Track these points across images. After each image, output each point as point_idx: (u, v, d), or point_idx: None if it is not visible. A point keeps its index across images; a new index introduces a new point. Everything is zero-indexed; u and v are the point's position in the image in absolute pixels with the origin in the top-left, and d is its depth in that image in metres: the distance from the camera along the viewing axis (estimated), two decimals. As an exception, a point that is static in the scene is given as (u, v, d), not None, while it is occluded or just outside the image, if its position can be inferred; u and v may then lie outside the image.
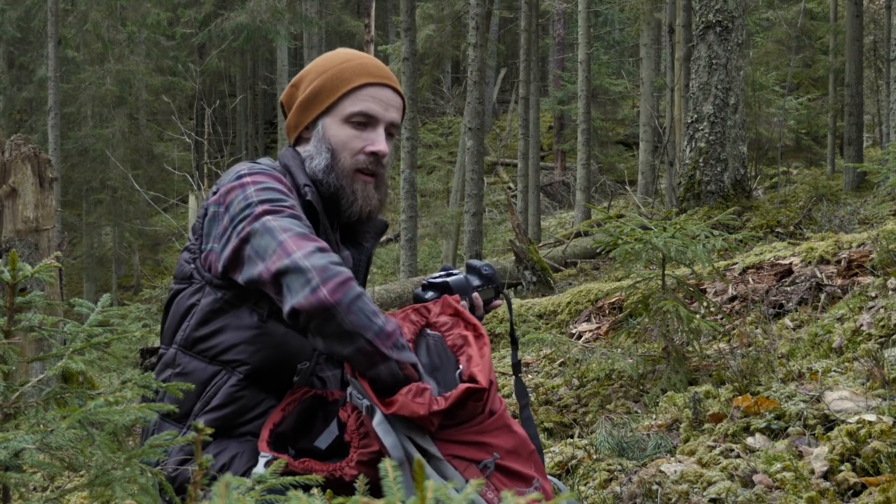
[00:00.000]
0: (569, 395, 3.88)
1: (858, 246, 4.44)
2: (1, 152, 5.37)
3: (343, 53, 1.96)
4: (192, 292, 1.82)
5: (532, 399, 3.90)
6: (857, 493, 2.20)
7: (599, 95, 19.92)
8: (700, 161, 8.38)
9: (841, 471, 2.28)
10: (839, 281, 4.21)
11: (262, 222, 1.66)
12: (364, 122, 1.88)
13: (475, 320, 1.75)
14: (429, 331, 1.75)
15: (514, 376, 2.05)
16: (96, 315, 1.48)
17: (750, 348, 3.66)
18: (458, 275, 1.97)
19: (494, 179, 19.93)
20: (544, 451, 2.99)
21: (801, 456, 2.43)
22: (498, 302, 2.05)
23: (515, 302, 6.08)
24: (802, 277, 4.38)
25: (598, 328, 5.05)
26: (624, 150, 21.29)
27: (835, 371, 3.05)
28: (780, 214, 8.07)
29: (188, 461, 1.78)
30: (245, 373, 1.76)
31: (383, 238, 18.15)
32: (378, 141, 1.88)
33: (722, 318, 4.34)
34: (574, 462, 2.92)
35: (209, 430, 1.11)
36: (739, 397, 2.92)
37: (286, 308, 1.59)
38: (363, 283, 2.02)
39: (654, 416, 3.23)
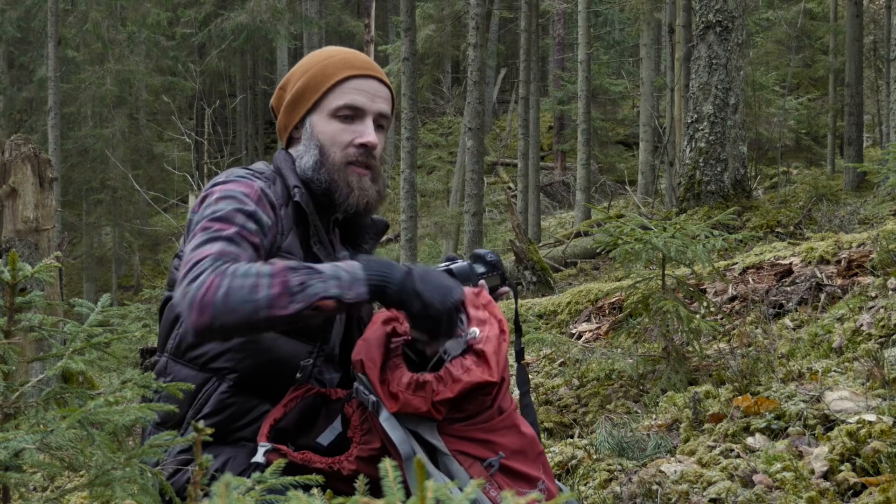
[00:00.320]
0: (569, 395, 3.88)
1: (858, 246, 4.44)
2: (1, 152, 5.37)
3: (327, 50, 1.94)
4: None
5: (532, 399, 3.90)
6: (857, 493, 2.20)
7: (599, 95, 19.92)
8: (700, 161, 8.38)
9: (841, 471, 2.28)
10: (839, 281, 4.21)
11: (188, 248, 1.64)
12: (351, 114, 1.85)
13: (503, 317, 1.73)
14: None
15: (516, 364, 2.03)
16: (96, 315, 1.47)
17: (750, 348, 3.66)
18: (462, 263, 1.94)
19: (494, 179, 19.93)
20: (545, 451, 2.98)
21: (801, 456, 2.43)
22: (505, 289, 2.00)
23: (515, 302, 6.07)
24: (802, 277, 4.38)
25: (598, 328, 5.05)
26: (624, 150, 21.29)
27: (835, 371, 3.05)
28: (780, 214, 8.07)
29: (182, 470, 1.77)
30: (234, 380, 1.75)
31: (383, 238, 18.12)
32: (367, 132, 1.85)
33: (722, 318, 4.34)
34: (574, 462, 2.92)
35: (209, 431, 1.11)
36: (739, 397, 2.92)
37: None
38: None
39: (654, 416, 3.23)
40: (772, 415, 2.72)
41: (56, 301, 1.58)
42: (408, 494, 1.45)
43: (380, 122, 1.90)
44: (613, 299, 5.15)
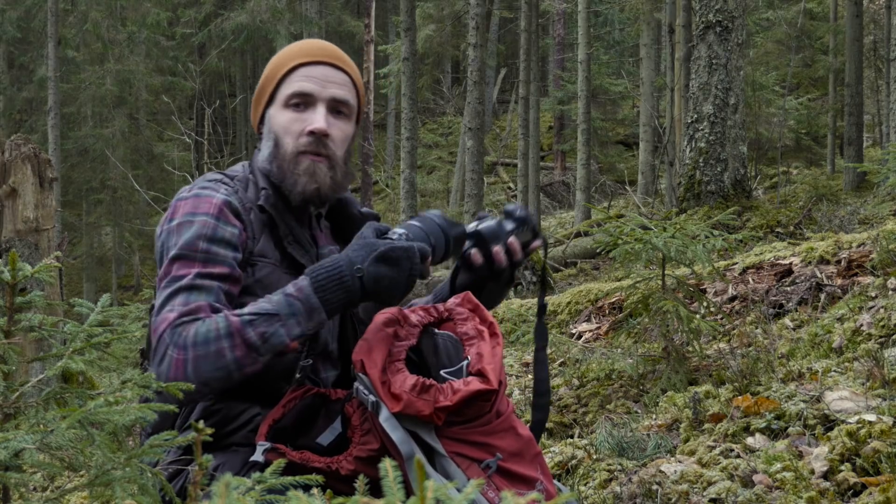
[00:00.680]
0: (569, 395, 3.88)
1: (858, 246, 4.44)
2: (1, 152, 5.37)
3: (290, 45, 1.91)
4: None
5: (532, 399, 3.90)
6: (857, 493, 2.20)
7: (599, 95, 19.92)
8: (700, 161, 8.38)
9: (841, 471, 2.28)
10: (839, 281, 4.22)
11: (161, 291, 1.67)
12: (300, 101, 1.80)
13: (492, 319, 1.73)
14: (437, 329, 1.74)
15: (537, 318, 1.99)
16: (96, 315, 1.47)
17: (750, 348, 3.66)
18: (490, 222, 1.88)
19: (494, 179, 19.94)
20: (544, 452, 2.99)
21: (801, 456, 2.43)
22: (537, 243, 1.93)
23: (515, 302, 6.08)
24: (802, 277, 4.38)
25: (598, 328, 5.05)
26: (624, 150, 21.29)
27: (835, 371, 3.05)
28: (780, 214, 8.07)
29: (179, 473, 1.76)
30: None
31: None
32: (316, 119, 1.78)
33: (722, 318, 4.34)
34: (574, 462, 2.92)
35: (209, 431, 1.10)
36: (739, 397, 2.92)
37: None
38: None
39: (654, 416, 3.23)
40: (772, 415, 2.72)
41: (56, 301, 1.58)
42: (408, 494, 1.45)
43: (337, 109, 1.83)
44: (613, 299, 5.15)
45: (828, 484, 2.24)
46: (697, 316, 3.80)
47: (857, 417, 2.48)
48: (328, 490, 1.25)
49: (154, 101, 20.12)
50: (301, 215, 1.85)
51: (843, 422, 2.51)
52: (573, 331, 5.14)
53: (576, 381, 4.00)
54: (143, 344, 1.86)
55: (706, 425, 2.89)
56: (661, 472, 2.54)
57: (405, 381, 1.57)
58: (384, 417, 1.55)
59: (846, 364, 3.08)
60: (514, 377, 4.41)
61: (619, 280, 6.10)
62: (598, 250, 4.84)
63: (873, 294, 3.72)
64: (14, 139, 5.43)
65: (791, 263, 4.62)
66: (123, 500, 1.18)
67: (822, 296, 4.14)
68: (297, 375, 1.77)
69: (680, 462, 2.61)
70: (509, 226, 1.89)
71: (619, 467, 2.73)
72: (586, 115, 13.89)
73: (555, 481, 1.75)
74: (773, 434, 2.65)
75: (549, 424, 3.64)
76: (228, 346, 1.57)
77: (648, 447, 2.88)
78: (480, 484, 0.82)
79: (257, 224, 1.78)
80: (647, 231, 3.81)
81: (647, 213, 11.42)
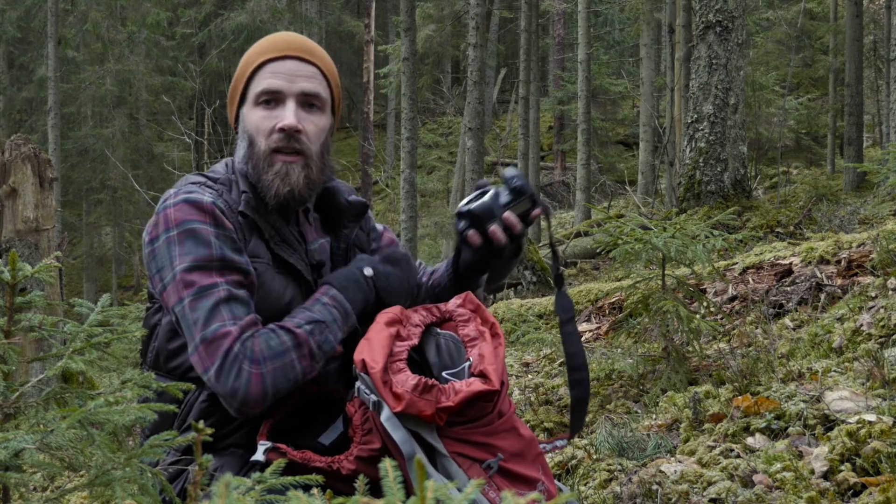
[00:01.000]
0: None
1: (858, 246, 4.44)
2: (1, 152, 5.37)
3: (259, 41, 1.87)
4: (155, 311, 1.82)
5: (532, 399, 3.90)
6: (857, 493, 2.20)
7: (599, 95, 19.92)
8: (700, 161, 8.38)
9: (841, 471, 2.28)
10: (839, 281, 4.22)
11: (182, 308, 1.66)
12: (269, 99, 1.77)
13: (493, 319, 1.73)
14: (438, 329, 1.74)
15: (556, 290, 1.90)
16: (96, 315, 1.47)
17: (750, 348, 3.66)
18: (483, 200, 1.81)
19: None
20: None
21: (801, 456, 2.43)
22: (537, 211, 1.86)
23: (515, 302, 6.08)
24: (802, 277, 4.38)
25: (598, 328, 5.05)
26: (624, 150, 21.29)
27: (835, 371, 3.05)
28: (780, 214, 8.07)
29: (180, 474, 1.76)
30: (210, 389, 1.72)
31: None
32: (286, 116, 1.75)
33: (722, 318, 4.34)
34: (574, 462, 2.92)
35: (209, 431, 1.10)
36: (739, 397, 2.92)
37: None
38: None
39: (654, 416, 3.23)
40: (772, 415, 2.72)
41: (56, 301, 1.58)
42: (409, 495, 1.45)
43: (308, 102, 1.79)
44: (613, 299, 5.15)
45: (828, 484, 2.24)
46: (697, 316, 3.80)
47: (857, 417, 2.48)
48: (328, 490, 1.25)
49: (154, 101, 20.12)
50: (286, 213, 1.84)
51: (843, 422, 2.51)
52: (573, 331, 5.13)
53: (576, 381, 3.99)
54: (142, 344, 1.86)
55: (706, 425, 2.89)
56: (661, 472, 2.54)
57: (407, 380, 1.57)
58: (385, 417, 1.55)
59: (846, 364, 3.08)
60: (514, 377, 4.41)
61: (619, 280, 6.10)
62: (598, 250, 4.84)
63: (873, 294, 3.72)
64: (14, 139, 5.43)
65: (791, 263, 4.62)
66: (123, 500, 1.18)
67: (822, 296, 4.14)
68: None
69: (680, 462, 2.61)
70: (504, 198, 1.82)
71: (619, 467, 2.73)
72: (586, 115, 13.89)
73: (555, 481, 1.75)
74: (773, 434, 2.65)
75: (549, 424, 3.63)
76: (297, 357, 1.64)
77: (648, 447, 2.88)
78: (481, 484, 0.82)
79: (245, 225, 1.77)
80: (647, 231, 3.81)
81: (647, 213, 11.43)
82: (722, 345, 3.89)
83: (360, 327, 1.82)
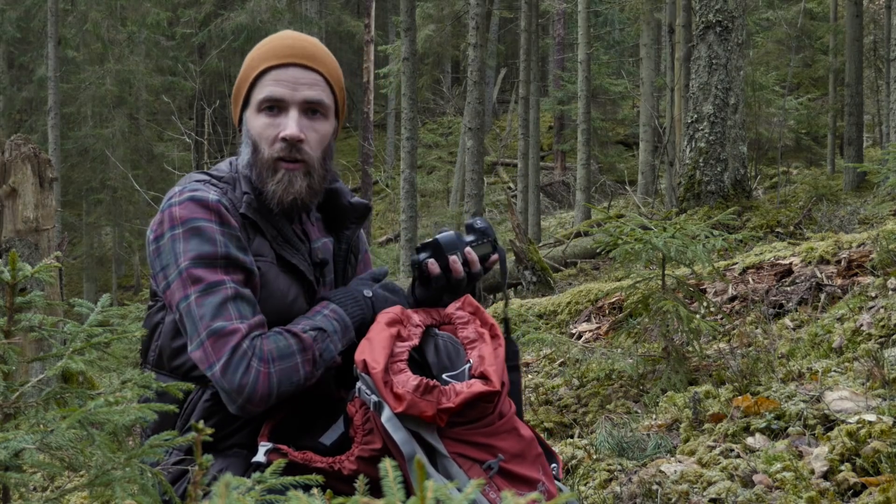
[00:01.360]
0: (569, 395, 3.88)
1: (858, 246, 4.44)
2: (1, 152, 5.37)
3: (264, 41, 1.88)
4: (158, 309, 1.82)
5: (532, 399, 3.90)
6: (857, 493, 2.20)
7: (599, 95, 19.92)
8: (700, 161, 8.38)
9: (841, 471, 2.28)
10: (839, 281, 4.22)
11: (187, 304, 1.67)
12: (271, 106, 1.78)
13: (493, 321, 1.74)
14: (437, 330, 1.74)
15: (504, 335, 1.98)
16: (96, 315, 1.47)
17: (750, 348, 3.66)
18: (448, 232, 1.86)
19: (494, 179, 19.93)
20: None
21: (801, 456, 2.43)
22: (495, 257, 1.92)
23: (515, 302, 6.08)
24: (802, 277, 4.38)
25: (598, 328, 5.05)
26: (624, 150, 21.29)
27: (835, 371, 3.05)
28: (780, 214, 8.07)
29: (183, 475, 1.76)
30: (214, 388, 1.73)
31: (383, 238, 18.15)
32: (288, 125, 1.76)
33: (722, 318, 4.34)
34: (574, 462, 2.92)
35: (209, 431, 1.10)
36: (739, 397, 2.92)
37: None
38: (343, 273, 1.95)
39: (654, 416, 3.23)
40: (772, 415, 2.72)
41: (56, 301, 1.58)
42: (409, 495, 1.44)
43: (312, 109, 1.80)
44: (613, 299, 5.15)
45: (828, 484, 2.24)
46: (697, 316, 3.80)
47: (857, 417, 2.48)
48: (329, 490, 1.25)
49: (154, 101, 20.12)
50: (289, 213, 1.85)
51: (843, 422, 2.51)
52: (573, 331, 5.14)
53: (576, 381, 4.00)
54: (143, 344, 1.86)
55: (706, 425, 2.89)
56: (661, 472, 2.54)
57: (408, 381, 1.57)
58: (386, 417, 1.55)
59: (846, 364, 3.08)
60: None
61: (619, 280, 6.10)
62: (598, 250, 4.84)
63: (873, 294, 3.72)
64: (14, 139, 5.43)
65: (791, 263, 4.62)
66: (123, 500, 1.18)
67: (822, 296, 4.14)
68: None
69: (680, 462, 2.61)
70: (468, 238, 1.88)
71: (619, 467, 2.73)
72: (586, 115, 13.89)
73: (555, 481, 1.75)
74: (773, 434, 2.65)
75: (549, 424, 3.64)
76: (301, 361, 1.67)
77: (648, 447, 2.88)
78: (481, 484, 0.82)
79: (248, 225, 1.78)
80: (647, 231, 3.81)
81: (647, 213, 11.43)
82: (722, 345, 3.89)
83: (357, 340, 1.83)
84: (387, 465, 0.83)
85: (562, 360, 4.49)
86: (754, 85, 12.58)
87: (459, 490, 0.82)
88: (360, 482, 1.05)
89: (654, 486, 2.46)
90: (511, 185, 18.97)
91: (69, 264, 18.40)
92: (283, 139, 1.77)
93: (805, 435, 2.56)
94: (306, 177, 1.79)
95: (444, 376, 1.63)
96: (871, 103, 16.53)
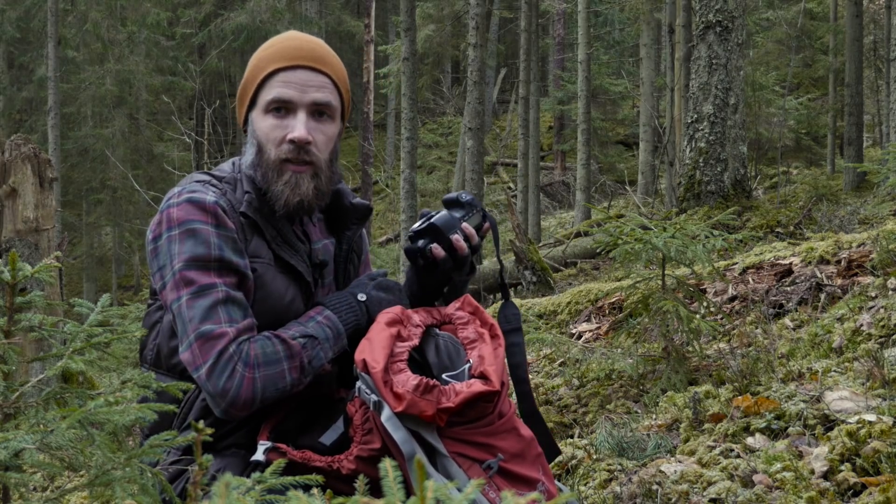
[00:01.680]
0: (569, 395, 3.88)
1: (858, 246, 4.44)
2: (1, 152, 5.37)
3: (270, 41, 1.88)
4: (157, 308, 1.83)
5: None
6: (857, 493, 2.20)
7: (599, 95, 19.91)
8: (700, 161, 8.38)
9: (841, 471, 2.28)
10: (839, 281, 4.22)
11: (179, 306, 1.68)
12: (279, 107, 1.78)
13: (493, 320, 1.74)
14: (437, 330, 1.74)
15: (502, 301, 1.96)
16: (96, 315, 1.47)
17: (750, 348, 3.66)
18: (441, 213, 1.85)
19: (494, 179, 19.94)
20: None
21: (801, 456, 2.43)
22: (487, 225, 1.91)
23: (515, 302, 6.08)
24: (802, 277, 4.38)
25: (598, 328, 5.05)
26: (624, 150, 21.29)
27: (835, 371, 3.05)
28: (780, 214, 8.07)
29: (181, 474, 1.76)
30: None
31: (383, 238, 18.15)
32: (297, 127, 1.77)
33: (722, 318, 4.34)
34: (574, 462, 2.92)
35: (209, 431, 1.10)
36: (739, 397, 2.92)
37: None
38: (344, 274, 1.95)
39: (654, 416, 3.23)
40: (772, 415, 2.72)
41: (56, 301, 1.58)
42: (409, 495, 1.44)
43: (319, 111, 1.81)
44: (613, 299, 5.15)
45: (828, 484, 2.24)
46: (697, 316, 3.80)
47: (857, 417, 2.48)
48: (328, 490, 1.25)
49: (154, 101, 20.12)
50: (293, 215, 1.84)
51: (843, 422, 2.51)
52: (573, 331, 5.14)
53: (576, 381, 4.00)
54: (141, 342, 1.85)
55: (706, 425, 2.89)
56: (661, 472, 2.54)
57: (408, 380, 1.57)
58: (386, 417, 1.55)
59: (846, 364, 3.08)
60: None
61: (619, 280, 6.10)
62: (598, 250, 4.84)
63: (873, 294, 3.72)
64: (14, 139, 5.43)
65: (791, 263, 4.62)
66: (123, 500, 1.18)
67: (822, 296, 4.14)
68: None
69: (680, 462, 2.61)
70: (458, 213, 1.87)
71: (619, 467, 2.73)
72: (586, 115, 13.89)
73: (555, 481, 1.75)
74: (773, 434, 2.65)
75: (549, 424, 3.63)
76: (288, 368, 1.67)
77: (648, 447, 2.88)
78: (481, 484, 0.82)
79: (247, 225, 1.78)
80: (647, 231, 3.81)
81: (647, 213, 11.43)
82: (722, 345, 3.89)
83: (349, 349, 1.82)
84: (387, 465, 0.83)
85: (562, 360, 4.49)
86: (754, 85, 12.58)
87: (459, 490, 0.82)
88: (361, 482, 1.05)
89: (654, 486, 2.46)
90: (511, 185, 18.97)
91: (69, 264, 18.40)
92: (292, 141, 1.77)
93: (805, 435, 2.56)
94: (313, 179, 1.79)
95: (444, 376, 1.63)
96: (871, 103, 16.53)
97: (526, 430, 1.68)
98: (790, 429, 2.62)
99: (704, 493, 2.37)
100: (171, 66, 20.46)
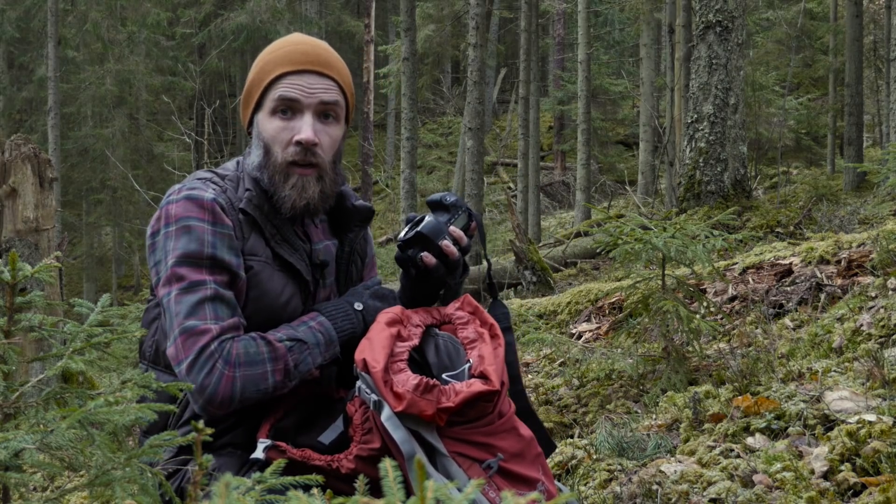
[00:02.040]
0: (569, 395, 3.88)
1: (858, 246, 4.44)
2: (1, 152, 5.37)
3: (275, 44, 1.88)
4: (156, 304, 1.83)
5: (532, 399, 3.89)
6: (857, 493, 2.20)
7: (599, 95, 19.91)
8: (700, 161, 8.38)
9: (841, 471, 2.28)
10: (839, 281, 4.21)
11: (168, 300, 1.70)
12: (286, 108, 1.79)
13: (492, 320, 1.74)
14: (437, 330, 1.74)
15: (491, 299, 1.95)
16: (96, 315, 1.47)
17: (750, 348, 3.66)
18: (428, 219, 1.84)
19: (494, 179, 19.94)
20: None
21: (801, 456, 2.43)
22: (474, 224, 1.91)
23: (515, 302, 6.08)
24: (802, 277, 4.38)
25: (598, 328, 5.05)
26: (624, 150, 21.29)
27: (835, 371, 3.05)
28: (780, 214, 8.07)
29: (176, 472, 1.76)
30: None
31: (383, 238, 18.15)
32: (303, 129, 1.78)
33: (722, 318, 4.34)
34: (574, 462, 2.92)
35: (209, 430, 1.10)
36: (739, 397, 2.92)
37: None
38: (346, 276, 1.95)
39: (654, 416, 3.23)
40: (772, 415, 2.72)
41: (56, 301, 1.58)
42: (409, 494, 1.44)
43: (325, 112, 1.82)
44: (613, 299, 5.15)
45: (828, 484, 2.24)
46: (697, 316, 3.80)
47: (857, 417, 2.48)
48: (328, 489, 1.25)
49: (154, 101, 20.11)
50: (298, 217, 1.85)
51: (843, 422, 2.51)
52: (573, 331, 5.14)
53: (576, 381, 4.00)
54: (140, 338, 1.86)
55: (706, 425, 2.89)
56: (661, 472, 2.54)
57: (408, 380, 1.57)
58: (386, 416, 1.55)
59: (846, 364, 3.08)
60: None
61: (619, 280, 6.10)
62: (598, 250, 4.84)
63: (873, 294, 3.72)
64: (14, 139, 5.43)
65: (791, 263, 4.62)
66: (123, 500, 1.18)
67: (822, 296, 4.14)
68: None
69: (680, 462, 2.61)
70: (444, 217, 1.86)
71: (619, 467, 2.73)
72: (586, 115, 13.89)
73: (555, 481, 1.75)
74: (773, 434, 2.65)
75: (549, 424, 3.63)
76: (271, 370, 1.67)
77: (648, 447, 2.88)
78: (481, 484, 0.82)
79: (245, 222, 1.79)
80: (647, 231, 3.81)
81: (647, 213, 11.42)
82: (722, 345, 3.89)
83: (342, 357, 1.82)
84: (387, 465, 0.83)
85: (562, 360, 4.49)
86: (754, 85, 12.58)
87: (459, 490, 0.82)
88: (361, 482, 1.05)
89: (654, 486, 2.46)
90: (511, 185, 18.97)
91: (69, 264, 18.40)
92: (298, 143, 1.78)
93: (805, 435, 2.56)
94: (319, 181, 1.81)
95: (444, 376, 1.63)
96: (871, 103, 16.53)
97: (526, 430, 1.68)
98: (790, 429, 2.62)
99: (704, 493, 2.37)
100: (171, 66, 20.46)
